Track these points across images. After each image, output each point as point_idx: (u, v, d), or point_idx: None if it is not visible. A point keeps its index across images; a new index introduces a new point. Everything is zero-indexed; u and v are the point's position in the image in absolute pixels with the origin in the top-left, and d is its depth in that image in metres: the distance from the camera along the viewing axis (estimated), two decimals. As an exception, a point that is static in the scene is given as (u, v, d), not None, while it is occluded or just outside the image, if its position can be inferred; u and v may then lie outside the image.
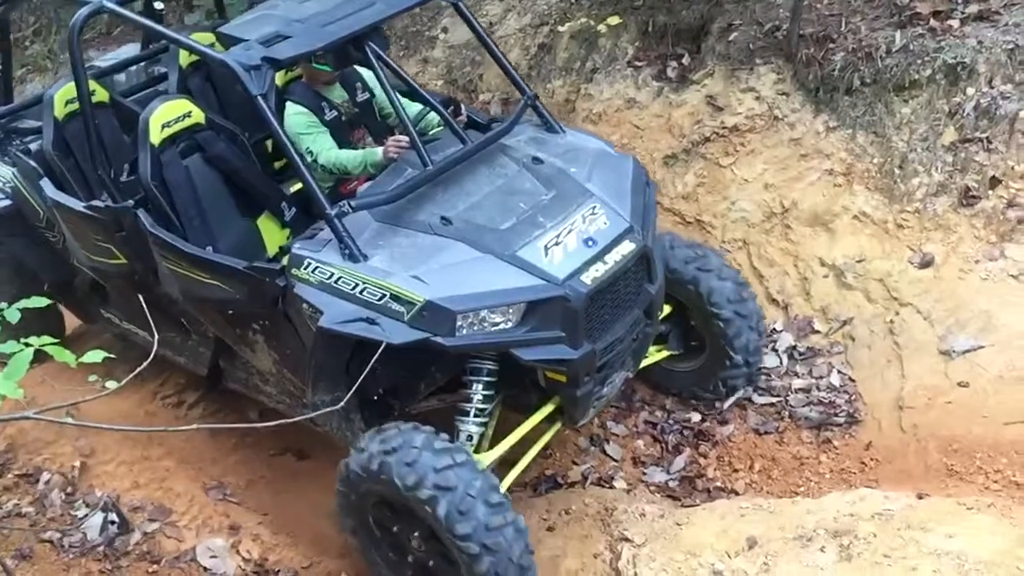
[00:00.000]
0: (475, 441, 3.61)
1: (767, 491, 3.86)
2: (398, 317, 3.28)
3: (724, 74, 5.46)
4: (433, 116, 4.15)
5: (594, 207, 3.61)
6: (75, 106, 4.64)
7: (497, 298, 3.28)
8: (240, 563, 4.00)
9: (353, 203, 3.48)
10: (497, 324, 3.30)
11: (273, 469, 4.55)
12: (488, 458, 3.55)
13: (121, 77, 5.47)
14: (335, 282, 3.39)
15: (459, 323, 3.25)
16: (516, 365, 3.53)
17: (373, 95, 4.44)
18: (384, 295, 3.29)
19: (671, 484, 4.20)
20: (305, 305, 3.48)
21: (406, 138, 3.95)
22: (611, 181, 3.77)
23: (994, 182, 4.48)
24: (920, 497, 3.47)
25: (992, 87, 4.64)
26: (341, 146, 4.26)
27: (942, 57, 4.77)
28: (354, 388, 2.87)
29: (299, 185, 4.70)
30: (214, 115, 4.42)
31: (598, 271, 3.41)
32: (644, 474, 4.28)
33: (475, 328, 3.28)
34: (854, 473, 4.01)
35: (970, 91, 4.68)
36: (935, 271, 4.43)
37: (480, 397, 3.61)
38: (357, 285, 3.35)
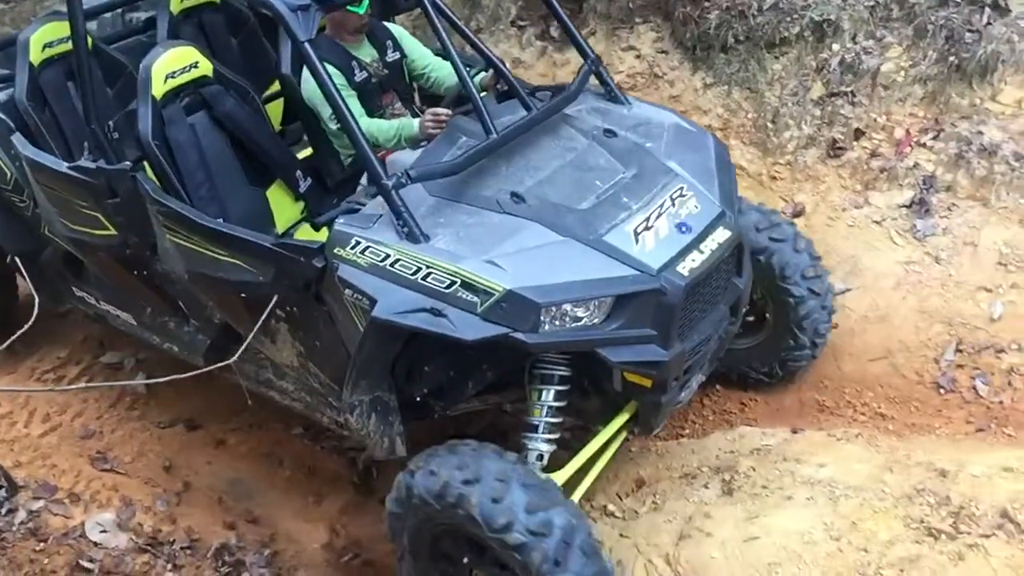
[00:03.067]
0: (545, 460, 3.14)
1: (655, 435, 3.74)
2: (470, 308, 2.79)
3: (605, 33, 5.55)
4: (477, 79, 3.67)
5: (681, 188, 3.17)
6: (54, 51, 4.04)
7: (586, 289, 2.82)
8: (132, 536, 3.84)
9: (413, 173, 2.97)
10: (580, 320, 2.84)
11: (163, 441, 4.34)
12: (560, 479, 3.10)
13: (92, 25, 4.82)
14: (392, 265, 2.89)
15: (543, 317, 2.78)
16: (583, 367, 3.10)
17: (404, 55, 3.94)
18: (454, 282, 2.80)
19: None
20: (350, 291, 2.96)
21: (446, 111, 3.48)
22: (694, 160, 3.34)
23: (858, 134, 4.75)
24: (794, 432, 3.71)
25: (855, 43, 4.89)
26: (370, 113, 3.75)
27: (809, 15, 4.94)
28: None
29: (307, 151, 4.17)
30: (222, 68, 3.85)
31: (694, 261, 2.97)
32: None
33: (557, 324, 2.81)
34: (734, 413, 4.15)
35: (835, 47, 4.92)
36: (806, 220, 4.64)
37: (550, 409, 3.14)
38: (420, 269, 2.85)
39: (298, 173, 3.97)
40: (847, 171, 4.72)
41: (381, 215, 3.01)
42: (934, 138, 4.61)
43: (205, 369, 2.72)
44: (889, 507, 3.07)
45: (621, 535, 3.32)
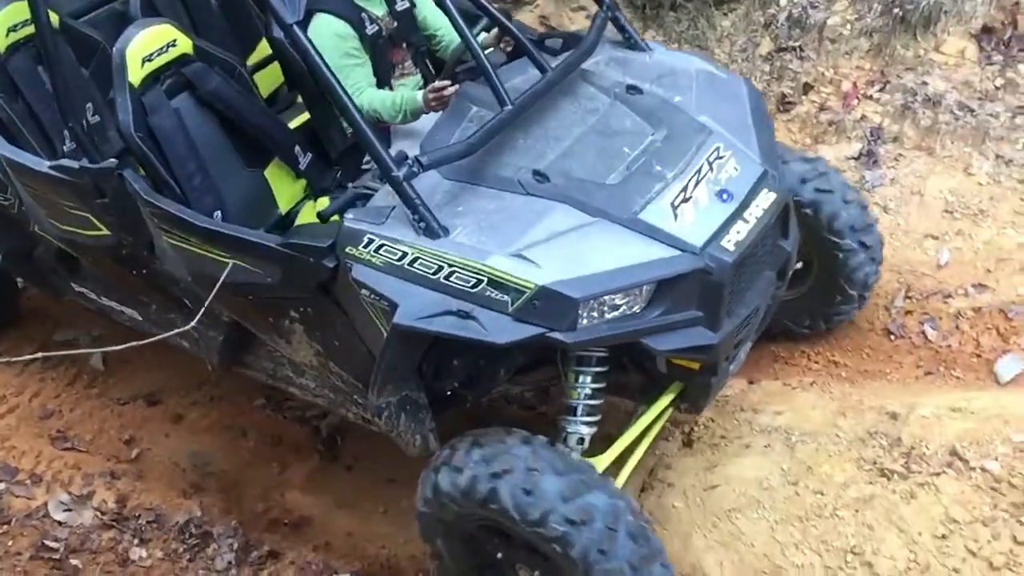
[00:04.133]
0: (587, 444, 2.95)
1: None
2: (500, 308, 2.56)
3: (558, -8, 5.43)
4: (479, 37, 3.35)
5: (718, 148, 2.89)
6: (19, 35, 3.72)
7: (626, 277, 2.57)
8: (96, 513, 3.83)
9: (424, 159, 2.70)
10: (619, 309, 2.60)
11: (124, 418, 4.27)
12: (603, 463, 2.91)
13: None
14: (410, 264, 2.64)
15: (581, 313, 2.54)
16: (622, 345, 2.87)
17: (414, 4, 3.62)
18: (480, 280, 2.56)
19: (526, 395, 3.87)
20: (367, 292, 2.73)
21: (450, 85, 3.18)
22: (727, 112, 3.04)
23: (807, 88, 4.82)
24: (751, 383, 3.79)
25: (803, -3, 4.92)
26: (379, 72, 3.45)
27: (757, -29, 4.96)
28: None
29: (301, 118, 3.88)
30: (203, 43, 3.53)
31: (740, 233, 2.71)
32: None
33: (596, 317, 2.58)
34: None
35: (783, 2, 5.01)
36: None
37: (590, 392, 2.93)
38: (442, 268, 2.60)
39: (296, 148, 3.68)
40: (796, 125, 4.77)
41: (394, 207, 2.75)
42: (880, 90, 4.70)
43: (161, 337, 2.67)
44: (843, 450, 3.19)
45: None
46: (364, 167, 3.85)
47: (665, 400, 3.03)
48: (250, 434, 4.14)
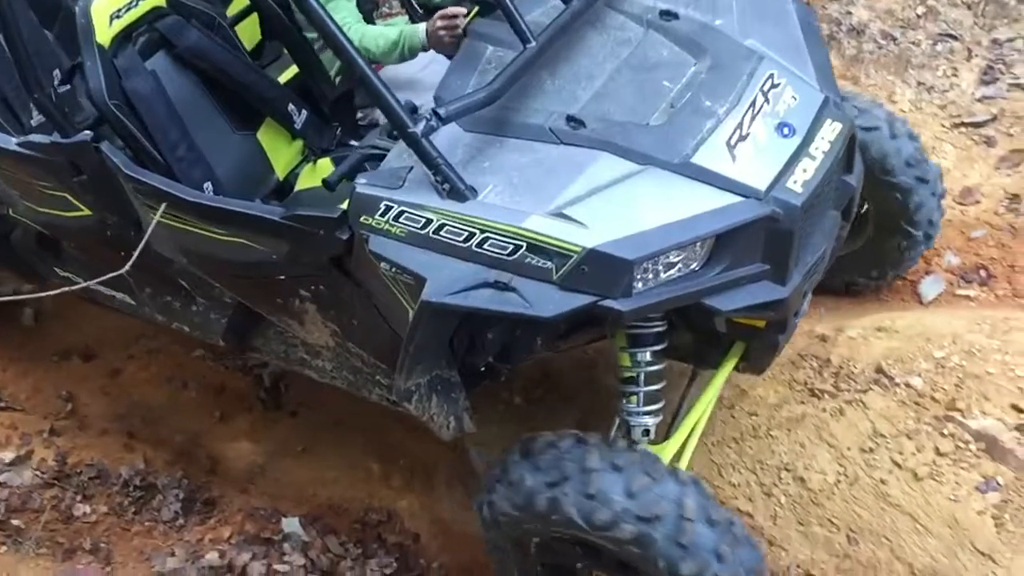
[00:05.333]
0: (652, 435, 2.65)
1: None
2: (543, 276, 2.24)
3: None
4: None
5: (771, 75, 2.55)
6: None
7: (685, 232, 2.24)
8: (36, 472, 3.72)
9: (443, 111, 2.35)
10: (674, 268, 2.29)
11: (59, 374, 4.15)
12: (669, 452, 2.62)
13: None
14: (436, 232, 2.31)
15: (636, 276, 2.23)
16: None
17: None
18: (519, 246, 2.24)
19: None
20: (387, 266, 2.41)
21: (460, 11, 2.82)
22: (776, 33, 2.69)
23: None
24: None
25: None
26: (361, 12, 3.11)
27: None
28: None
29: (288, 75, 3.52)
30: None
31: (807, 172, 2.39)
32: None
33: (651, 280, 2.26)
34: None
35: None
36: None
37: (648, 374, 2.63)
38: (473, 234, 2.28)
39: (290, 106, 3.33)
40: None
41: (411, 168, 2.41)
42: (804, 20, 4.78)
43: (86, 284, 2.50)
44: (776, 373, 3.25)
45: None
46: (360, 122, 3.52)
47: (728, 366, 2.74)
48: (191, 385, 4.06)
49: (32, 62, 2.93)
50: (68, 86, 3.28)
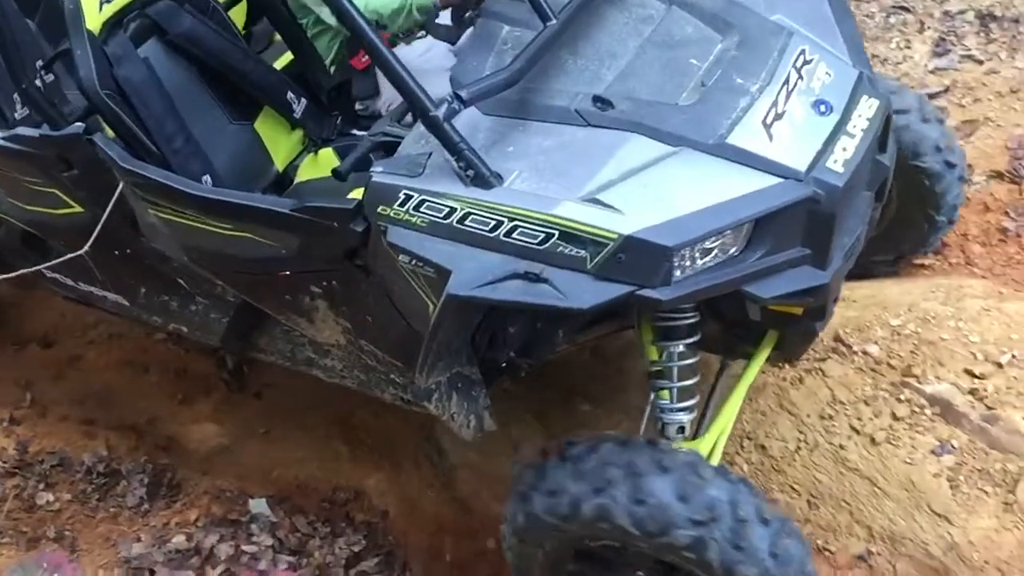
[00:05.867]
0: (688, 432, 2.55)
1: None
2: (577, 266, 2.12)
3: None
4: None
5: (803, 51, 2.44)
6: None
7: (725, 216, 2.13)
8: None
9: (464, 93, 2.22)
10: (710, 254, 2.17)
11: (18, 362, 4.08)
12: (706, 447, 2.52)
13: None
14: (460, 222, 2.19)
15: (676, 263, 2.11)
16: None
17: None
18: (550, 234, 2.12)
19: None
20: (406, 257, 2.27)
21: None
22: (802, 6, 2.57)
23: None
24: None
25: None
26: None
27: None
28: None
29: (283, 61, 3.38)
30: None
31: (847, 151, 2.28)
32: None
33: (688, 267, 2.15)
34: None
35: None
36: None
37: (682, 368, 2.51)
38: (500, 223, 2.15)
39: (289, 94, 3.18)
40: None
41: (430, 154, 2.28)
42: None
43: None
44: None
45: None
46: (360, 113, 3.38)
47: (761, 357, 2.63)
48: (152, 369, 4.00)
49: (17, 51, 2.76)
50: (52, 76, 3.12)
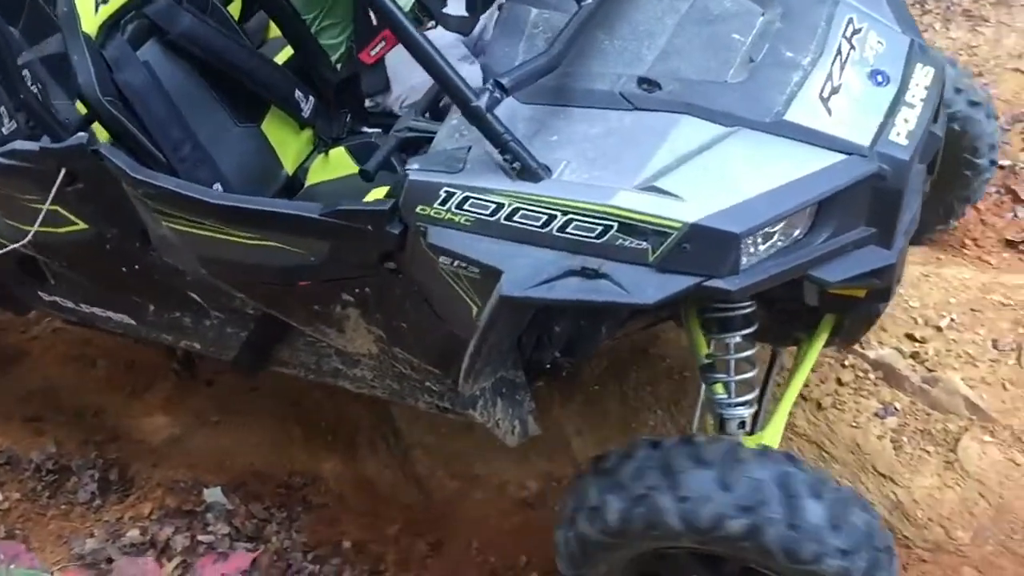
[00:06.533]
0: (748, 426, 2.43)
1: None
2: (637, 258, 1.99)
3: None
4: None
5: (851, 20, 2.32)
6: None
7: (792, 197, 2.01)
8: None
9: (507, 81, 2.08)
10: (772, 239, 2.05)
11: None
12: (770, 440, 2.40)
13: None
14: (508, 218, 2.05)
15: (743, 251, 1.99)
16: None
17: None
18: (608, 227, 1.98)
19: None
20: (447, 259, 2.14)
21: None
22: None
23: None
24: None
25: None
26: None
27: None
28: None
29: (282, 56, 3.22)
30: None
31: (908, 122, 2.16)
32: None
33: (754, 254, 2.02)
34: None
35: None
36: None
37: (739, 362, 2.39)
38: (553, 217, 2.02)
39: (297, 93, 3.03)
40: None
41: (468, 148, 2.14)
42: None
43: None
44: None
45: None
46: (372, 110, 3.24)
47: (818, 343, 2.52)
48: (100, 363, 3.90)
49: (13, 59, 2.58)
50: (39, 86, 2.95)
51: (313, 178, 3.09)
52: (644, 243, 1.97)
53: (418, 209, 2.13)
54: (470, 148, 2.14)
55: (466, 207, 2.08)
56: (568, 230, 2.01)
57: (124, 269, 2.86)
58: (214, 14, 2.89)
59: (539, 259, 2.03)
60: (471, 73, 3.00)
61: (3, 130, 2.99)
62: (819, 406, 3.02)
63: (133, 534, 3.31)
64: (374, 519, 3.34)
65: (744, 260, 1.99)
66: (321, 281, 2.44)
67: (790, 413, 2.93)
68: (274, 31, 3.30)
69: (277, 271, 2.44)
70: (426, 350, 2.52)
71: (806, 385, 3.01)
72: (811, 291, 2.39)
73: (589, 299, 2.02)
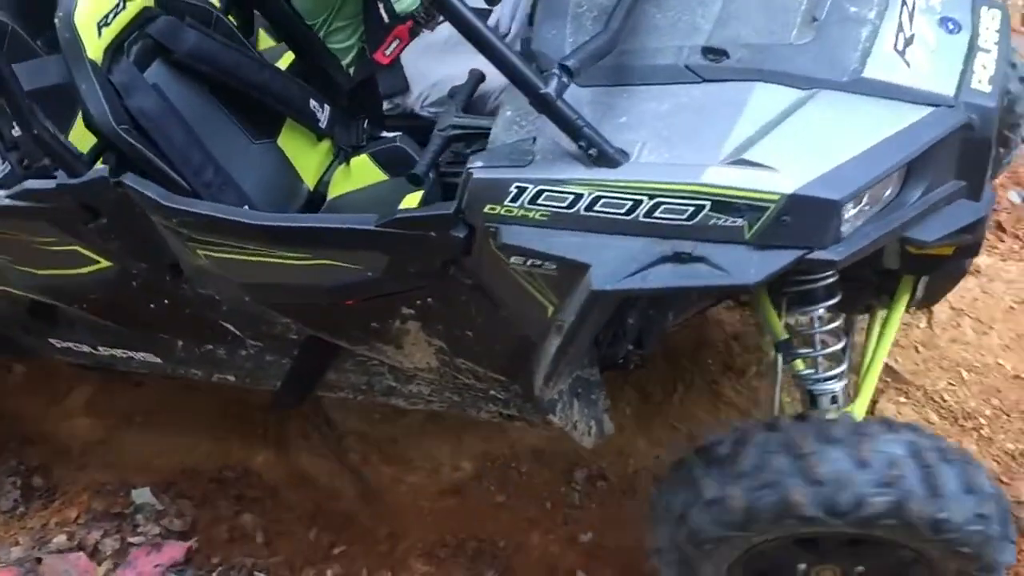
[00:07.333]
0: (841, 401, 2.33)
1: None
2: (733, 237, 1.88)
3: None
4: None
5: None
6: None
7: (886, 157, 1.91)
8: None
9: (570, 63, 1.95)
10: (862, 203, 1.95)
11: None
12: (860, 411, 2.31)
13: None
14: (589, 208, 1.93)
15: (844, 217, 1.88)
16: None
17: None
18: (701, 206, 1.87)
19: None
20: (519, 259, 2.02)
21: None
22: None
23: None
24: None
25: None
26: None
27: None
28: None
29: (283, 63, 3.07)
30: None
31: (986, 67, 2.06)
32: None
33: (852, 220, 1.92)
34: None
35: None
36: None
37: (824, 336, 2.29)
38: (639, 202, 1.90)
39: (312, 103, 2.87)
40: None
41: (532, 139, 2.02)
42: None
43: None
44: None
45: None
46: (391, 112, 3.09)
47: (900, 306, 2.43)
48: (17, 368, 3.74)
49: (23, 94, 2.40)
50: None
51: (336, 190, 2.93)
52: (739, 220, 1.86)
53: (486, 209, 2.00)
54: (535, 139, 2.01)
55: (540, 201, 1.95)
56: (656, 214, 1.89)
57: (152, 306, 2.69)
58: (219, 27, 2.72)
59: (627, 248, 1.91)
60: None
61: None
62: (743, 374, 3.10)
63: (60, 539, 3.21)
64: (310, 507, 3.29)
65: (845, 227, 1.89)
66: (378, 296, 2.29)
67: (715, 383, 3.12)
68: (264, 42, 3.15)
69: (331, 290, 2.30)
70: (492, 357, 2.39)
71: (729, 355, 3.12)
72: (892, 254, 2.30)
73: (687, 285, 1.91)
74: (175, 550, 3.14)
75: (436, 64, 2.96)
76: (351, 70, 3.02)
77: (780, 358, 2.40)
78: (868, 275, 2.46)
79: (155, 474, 3.40)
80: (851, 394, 2.40)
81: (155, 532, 3.21)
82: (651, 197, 1.89)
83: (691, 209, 1.87)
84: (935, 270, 2.36)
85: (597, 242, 1.93)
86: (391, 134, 2.99)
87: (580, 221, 1.94)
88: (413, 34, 3.02)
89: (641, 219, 1.90)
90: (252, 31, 3.08)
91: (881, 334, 2.45)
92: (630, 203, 1.90)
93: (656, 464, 3.04)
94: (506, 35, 3.06)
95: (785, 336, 2.35)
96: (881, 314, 2.56)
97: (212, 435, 3.46)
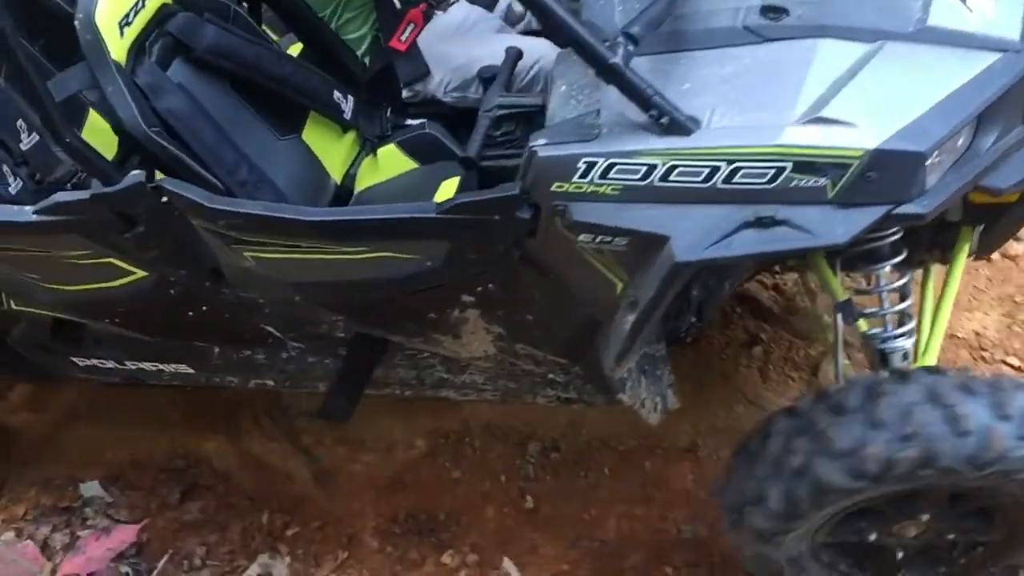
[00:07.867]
0: (911, 357, 2.30)
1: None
2: (816, 197, 1.83)
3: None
4: None
5: None
6: None
7: (963, 106, 1.87)
8: None
9: (633, 30, 1.90)
10: (935, 154, 1.92)
11: None
12: (930, 361, 2.28)
13: None
14: (664, 178, 1.87)
15: (928, 168, 1.85)
16: None
17: None
18: (782, 168, 1.82)
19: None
20: (588, 236, 1.96)
21: None
22: None
23: None
24: None
25: None
26: None
27: None
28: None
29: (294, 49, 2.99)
30: None
31: None
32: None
33: (933, 172, 1.89)
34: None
35: None
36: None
37: (891, 294, 2.27)
38: (716, 169, 1.85)
39: (336, 94, 2.80)
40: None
41: (596, 112, 1.96)
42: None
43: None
44: None
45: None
46: (412, 99, 3.02)
47: (961, 257, 2.40)
48: None
49: (53, 103, 2.29)
50: (36, 136, 2.68)
51: (364, 182, 2.86)
52: (822, 179, 1.82)
53: (554, 187, 1.94)
54: (597, 112, 1.95)
55: (612, 175, 1.90)
56: (735, 180, 1.84)
57: (191, 313, 2.60)
58: (237, 21, 2.64)
59: (707, 217, 1.86)
60: (510, 42, 2.80)
61: (10, 190, 2.72)
62: (693, 342, 3.08)
63: (8, 536, 3.18)
64: (264, 492, 3.26)
65: (930, 179, 1.86)
66: (437, 286, 2.23)
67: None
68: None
69: (389, 283, 2.22)
70: (554, 341, 2.34)
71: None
72: (954, 206, 2.26)
73: (774, 249, 1.86)
74: (125, 532, 3.03)
75: (454, 48, 2.89)
76: (367, 60, 2.95)
77: (839, 319, 2.37)
78: (922, 229, 2.43)
79: (104, 467, 3.37)
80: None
81: (105, 525, 3.17)
82: (729, 162, 1.84)
83: (772, 172, 1.82)
84: (996, 219, 2.34)
85: (674, 212, 1.88)
86: (415, 121, 2.92)
87: (655, 192, 1.89)
88: (427, 17, 2.94)
89: (720, 186, 1.85)
90: (259, 25, 2.99)
91: (945, 285, 2.42)
92: (707, 170, 1.85)
93: (610, 435, 3.08)
94: (523, 17, 3.01)
95: (845, 297, 2.32)
96: (933, 268, 2.54)
97: (161, 425, 3.43)
